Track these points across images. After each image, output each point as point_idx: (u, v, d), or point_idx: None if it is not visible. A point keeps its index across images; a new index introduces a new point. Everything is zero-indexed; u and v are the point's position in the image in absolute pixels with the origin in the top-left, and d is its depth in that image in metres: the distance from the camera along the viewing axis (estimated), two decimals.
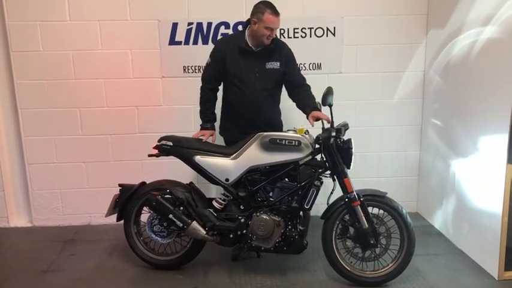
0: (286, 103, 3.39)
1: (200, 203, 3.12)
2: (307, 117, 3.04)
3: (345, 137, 2.99)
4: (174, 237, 3.17)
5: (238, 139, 3.16)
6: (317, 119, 3.00)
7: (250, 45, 3.17)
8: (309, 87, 3.25)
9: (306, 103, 3.11)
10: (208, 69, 3.30)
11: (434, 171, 3.94)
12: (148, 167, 3.95)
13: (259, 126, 3.16)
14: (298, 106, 3.21)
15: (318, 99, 2.94)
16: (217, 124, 3.44)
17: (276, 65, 3.20)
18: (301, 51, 3.87)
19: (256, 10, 3.08)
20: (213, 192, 3.76)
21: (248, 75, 3.18)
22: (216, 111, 3.37)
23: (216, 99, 3.35)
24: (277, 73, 3.21)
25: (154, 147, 3.17)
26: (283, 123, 3.44)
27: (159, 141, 3.18)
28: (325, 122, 2.96)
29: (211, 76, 3.27)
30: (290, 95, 3.31)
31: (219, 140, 3.48)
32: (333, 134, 2.90)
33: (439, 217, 3.87)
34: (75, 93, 3.88)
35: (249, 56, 3.17)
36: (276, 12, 3.06)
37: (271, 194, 3.05)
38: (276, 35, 3.19)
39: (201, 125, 3.32)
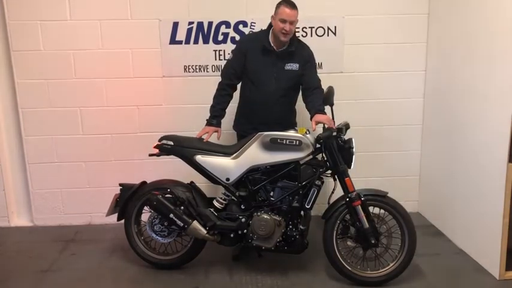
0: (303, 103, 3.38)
1: (201, 203, 3.12)
2: (311, 119, 3.04)
3: (346, 137, 2.99)
4: (174, 236, 3.17)
5: (249, 134, 3.16)
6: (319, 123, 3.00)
7: (272, 45, 3.19)
8: (322, 90, 3.21)
9: (312, 105, 3.11)
10: (228, 64, 3.33)
11: (435, 171, 3.94)
12: (149, 166, 3.94)
13: (271, 125, 3.15)
14: (306, 107, 3.21)
15: None
16: (229, 120, 3.46)
17: (295, 66, 3.21)
18: None
19: (275, 7, 3.13)
20: (214, 191, 3.75)
21: (266, 75, 3.20)
22: (227, 111, 3.35)
23: (231, 97, 3.34)
24: (295, 75, 3.22)
25: (155, 147, 3.17)
26: (297, 125, 3.43)
27: (159, 140, 3.18)
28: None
29: (231, 72, 3.28)
30: (302, 96, 3.31)
31: (231, 135, 3.50)
32: (334, 133, 2.90)
33: (440, 217, 3.87)
34: (75, 92, 3.88)
35: (270, 56, 3.19)
36: (291, 5, 3.07)
37: (272, 194, 3.05)
38: (295, 34, 3.21)
39: (207, 120, 3.30)
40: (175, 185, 3.17)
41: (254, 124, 3.27)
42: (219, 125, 3.30)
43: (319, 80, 3.28)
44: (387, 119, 4.10)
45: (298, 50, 3.23)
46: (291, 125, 3.37)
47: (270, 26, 3.22)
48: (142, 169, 3.95)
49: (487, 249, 3.15)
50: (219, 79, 3.35)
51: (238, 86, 3.38)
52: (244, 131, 3.33)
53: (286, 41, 3.15)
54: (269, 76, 3.20)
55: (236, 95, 3.41)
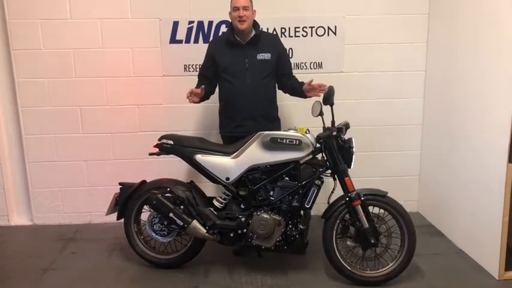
0: (286, 101, 3.39)
1: (201, 202, 3.12)
2: (303, 90, 3.21)
3: (346, 136, 2.99)
4: (174, 236, 3.17)
5: (234, 133, 3.24)
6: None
7: (238, 39, 3.23)
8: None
9: (297, 83, 3.31)
10: (201, 68, 3.43)
11: (435, 171, 3.94)
12: (149, 165, 3.94)
13: (254, 118, 3.23)
14: (290, 88, 3.36)
15: (319, 99, 2.94)
16: (215, 123, 3.47)
17: (267, 56, 3.26)
18: (302, 50, 3.90)
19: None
20: (214, 191, 3.76)
21: (238, 67, 3.23)
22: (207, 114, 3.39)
23: (210, 87, 3.36)
24: (269, 65, 3.27)
25: (155, 146, 3.17)
26: (281, 121, 3.46)
27: (159, 139, 3.18)
28: (326, 121, 2.95)
29: (203, 75, 3.38)
30: (280, 85, 3.41)
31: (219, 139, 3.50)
32: (334, 133, 2.90)
33: (440, 217, 3.87)
34: (76, 91, 3.87)
35: (238, 49, 3.23)
36: None
37: (271, 193, 3.05)
38: (260, 27, 3.29)
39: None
40: (175, 184, 3.17)
41: (237, 121, 3.28)
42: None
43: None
44: (387, 119, 4.10)
45: (267, 40, 3.30)
46: (275, 118, 3.40)
47: (231, 24, 3.27)
48: (142, 168, 3.95)
49: (486, 249, 3.15)
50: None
51: (217, 90, 3.41)
52: (229, 131, 3.35)
53: (246, 29, 3.18)
54: (242, 68, 3.23)
55: (217, 100, 3.43)
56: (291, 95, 3.43)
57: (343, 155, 2.93)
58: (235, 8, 3.14)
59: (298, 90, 3.30)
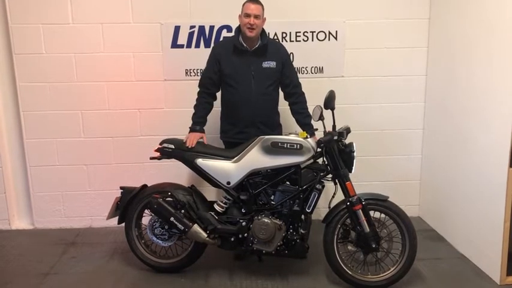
0: (287, 106, 3.40)
1: (201, 206, 3.12)
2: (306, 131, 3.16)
3: (347, 141, 2.99)
4: (175, 240, 3.17)
5: (236, 140, 3.23)
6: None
7: (244, 45, 3.21)
8: (304, 98, 3.36)
9: (305, 129, 3.24)
10: (204, 74, 3.36)
11: (436, 175, 3.94)
12: (150, 169, 3.95)
13: (256, 126, 3.23)
14: (297, 122, 3.38)
15: (320, 103, 2.95)
16: (216, 127, 3.48)
17: (272, 64, 3.24)
18: (303, 55, 3.91)
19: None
20: (215, 195, 3.76)
21: (244, 74, 3.22)
22: (209, 118, 3.37)
23: (211, 105, 3.35)
24: (273, 72, 3.26)
25: (156, 150, 3.17)
26: (282, 127, 3.47)
27: (160, 144, 3.18)
28: (327, 125, 2.96)
29: (207, 81, 3.31)
30: (286, 98, 3.40)
31: (220, 144, 3.50)
32: (335, 137, 2.91)
33: (441, 221, 3.86)
34: (77, 95, 3.88)
35: (244, 55, 3.22)
36: (254, 1, 3.14)
37: (272, 198, 3.06)
38: (267, 33, 3.29)
39: (190, 127, 3.28)
40: (176, 189, 3.17)
41: (240, 128, 3.28)
42: (202, 130, 3.28)
43: (300, 84, 3.38)
44: (388, 124, 4.11)
45: (273, 48, 3.28)
46: (277, 125, 3.41)
47: (238, 29, 3.25)
48: (143, 172, 3.96)
49: (488, 254, 3.14)
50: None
51: (218, 95, 3.39)
52: (230, 137, 3.34)
53: (254, 36, 3.16)
54: (247, 75, 3.21)
55: (218, 104, 3.42)
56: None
57: (344, 159, 2.94)
58: (246, 15, 3.11)
59: (299, 123, 3.36)
